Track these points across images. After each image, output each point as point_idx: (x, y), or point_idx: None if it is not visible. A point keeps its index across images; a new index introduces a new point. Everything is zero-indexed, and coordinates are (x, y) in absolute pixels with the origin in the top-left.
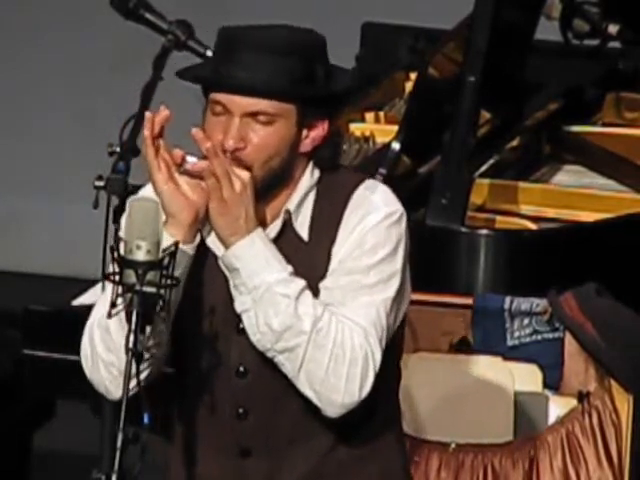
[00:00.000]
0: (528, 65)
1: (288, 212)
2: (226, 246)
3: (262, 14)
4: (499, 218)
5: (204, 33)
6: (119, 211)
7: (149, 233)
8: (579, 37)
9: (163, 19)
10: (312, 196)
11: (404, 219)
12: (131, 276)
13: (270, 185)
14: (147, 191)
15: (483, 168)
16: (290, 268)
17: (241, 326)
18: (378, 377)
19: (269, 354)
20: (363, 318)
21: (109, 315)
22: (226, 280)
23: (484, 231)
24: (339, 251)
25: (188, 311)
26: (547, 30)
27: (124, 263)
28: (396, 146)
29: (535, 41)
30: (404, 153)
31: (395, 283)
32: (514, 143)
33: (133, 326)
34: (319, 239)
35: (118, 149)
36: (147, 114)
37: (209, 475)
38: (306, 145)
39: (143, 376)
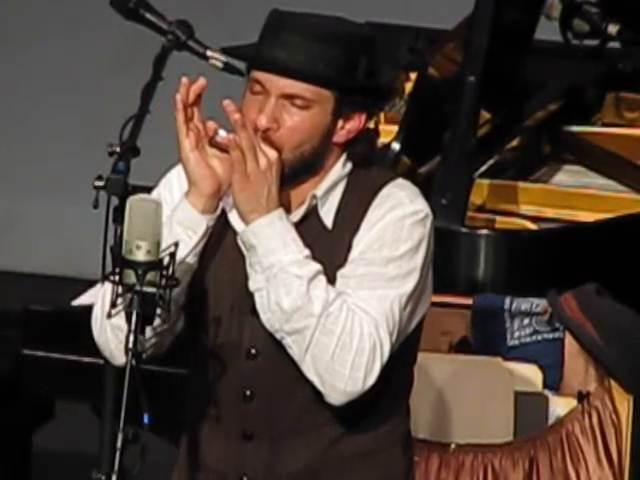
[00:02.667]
0: (528, 65)
1: (315, 197)
2: (246, 222)
3: (262, 14)
4: (499, 218)
5: (204, 33)
6: (119, 211)
7: (149, 233)
8: (579, 37)
9: (163, 19)
10: (341, 187)
11: (429, 220)
12: (131, 276)
13: (299, 170)
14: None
15: (483, 168)
16: (307, 251)
17: (256, 307)
18: (390, 378)
19: (277, 335)
20: (376, 309)
21: (109, 315)
22: (244, 260)
23: (484, 231)
24: (360, 242)
25: (204, 288)
26: (547, 30)
27: (124, 263)
28: (396, 146)
29: (535, 41)
30: (404, 153)
31: (412, 280)
32: (514, 143)
33: (133, 326)
34: (342, 229)
35: (118, 149)
36: (183, 79)
37: (212, 457)
38: (340, 136)
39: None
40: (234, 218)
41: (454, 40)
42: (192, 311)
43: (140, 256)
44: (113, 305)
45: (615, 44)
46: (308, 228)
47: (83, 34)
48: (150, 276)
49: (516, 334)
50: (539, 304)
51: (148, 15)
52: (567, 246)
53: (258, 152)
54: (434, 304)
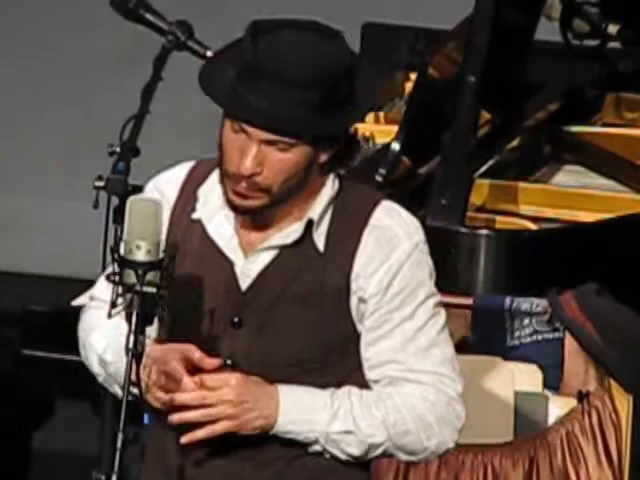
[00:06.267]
0: (528, 65)
1: (311, 222)
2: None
3: (262, 14)
4: (499, 218)
5: (204, 33)
6: (119, 211)
7: (149, 233)
8: (579, 37)
9: (163, 19)
10: (331, 208)
11: (424, 243)
12: (131, 276)
13: (287, 197)
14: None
15: (483, 168)
16: (329, 400)
17: (235, 320)
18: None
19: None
20: (429, 363)
21: (109, 315)
22: (227, 271)
23: (484, 231)
24: (373, 296)
25: (184, 299)
26: (547, 30)
27: (124, 263)
28: (396, 146)
29: (535, 41)
30: (404, 153)
31: (440, 308)
32: (514, 143)
33: (133, 326)
34: (334, 252)
35: (118, 149)
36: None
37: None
38: (324, 157)
39: None
40: (214, 232)
41: (454, 40)
42: (172, 319)
43: (140, 256)
44: (113, 305)
45: (615, 44)
46: (301, 251)
47: (83, 34)
48: (150, 276)
49: (516, 334)
50: (539, 304)
51: (148, 15)
52: (567, 246)
53: (218, 394)
54: None
